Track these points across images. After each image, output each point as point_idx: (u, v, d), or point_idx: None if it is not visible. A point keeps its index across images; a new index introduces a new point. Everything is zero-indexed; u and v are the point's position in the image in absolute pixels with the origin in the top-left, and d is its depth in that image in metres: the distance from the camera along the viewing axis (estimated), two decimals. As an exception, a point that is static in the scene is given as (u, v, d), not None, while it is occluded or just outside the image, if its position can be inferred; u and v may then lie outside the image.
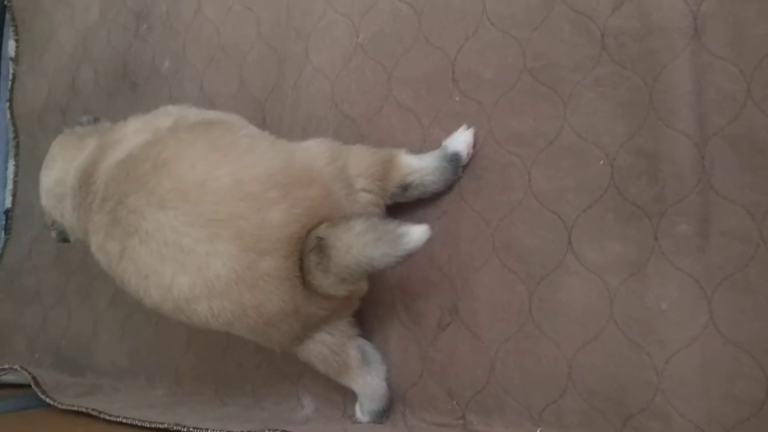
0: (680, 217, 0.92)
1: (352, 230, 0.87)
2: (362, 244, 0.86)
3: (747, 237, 0.88)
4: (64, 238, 1.21)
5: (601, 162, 0.98)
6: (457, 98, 1.11)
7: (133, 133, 1.06)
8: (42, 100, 1.79)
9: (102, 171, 1.04)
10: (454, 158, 1.07)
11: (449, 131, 1.11)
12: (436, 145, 1.09)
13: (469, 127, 1.09)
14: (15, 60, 1.87)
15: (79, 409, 1.26)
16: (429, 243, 1.08)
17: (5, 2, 1.90)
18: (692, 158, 0.92)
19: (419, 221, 1.10)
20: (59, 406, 1.30)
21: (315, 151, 1.01)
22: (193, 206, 0.90)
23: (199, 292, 0.90)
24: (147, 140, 1.00)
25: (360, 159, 1.04)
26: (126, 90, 1.61)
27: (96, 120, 1.29)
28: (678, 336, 0.90)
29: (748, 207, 0.88)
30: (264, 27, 1.38)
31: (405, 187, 1.07)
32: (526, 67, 1.05)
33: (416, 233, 0.86)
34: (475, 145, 1.08)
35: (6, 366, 1.42)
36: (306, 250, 0.89)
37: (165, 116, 1.09)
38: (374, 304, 1.13)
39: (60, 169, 1.16)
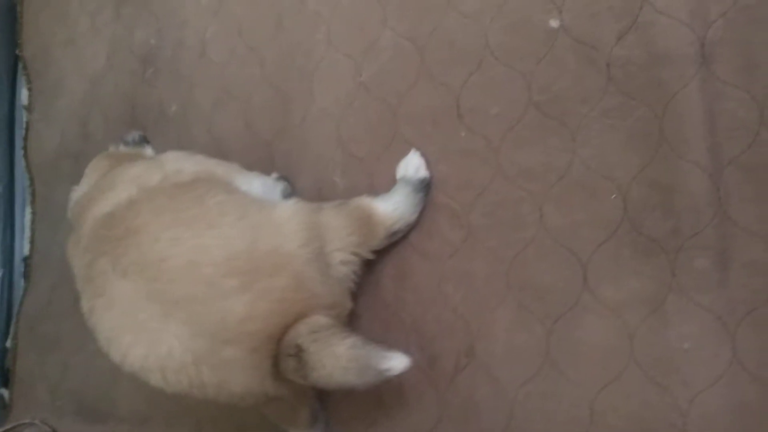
0: (698, 251, 0.89)
1: (335, 358, 0.86)
2: (343, 375, 0.86)
3: (769, 269, 0.85)
4: None
5: (614, 196, 0.95)
6: (464, 134, 1.10)
7: (127, 182, 1.06)
8: (55, 147, 1.80)
9: (90, 216, 1.05)
10: (422, 185, 1.09)
11: (457, 167, 1.09)
12: (443, 182, 1.09)
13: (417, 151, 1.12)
14: (28, 108, 1.89)
15: (100, 461, 1.26)
16: (442, 283, 1.08)
17: (17, 52, 1.93)
18: (707, 189, 0.89)
19: (428, 260, 1.10)
20: (80, 458, 1.30)
21: (287, 230, 0.96)
22: (149, 282, 0.91)
23: (152, 365, 0.91)
24: (131, 197, 1.01)
25: (337, 231, 1.01)
26: (136, 134, 1.62)
27: (143, 138, 1.38)
28: (702, 375, 0.87)
29: (769, 238, 0.85)
30: (268, 68, 1.38)
31: (392, 235, 1.09)
32: (532, 100, 1.03)
33: (396, 366, 0.86)
34: (484, 182, 1.07)
35: (27, 421, 1.42)
36: (284, 354, 0.88)
37: (157, 170, 1.09)
38: (389, 347, 1.11)
39: (86, 186, 1.22)
